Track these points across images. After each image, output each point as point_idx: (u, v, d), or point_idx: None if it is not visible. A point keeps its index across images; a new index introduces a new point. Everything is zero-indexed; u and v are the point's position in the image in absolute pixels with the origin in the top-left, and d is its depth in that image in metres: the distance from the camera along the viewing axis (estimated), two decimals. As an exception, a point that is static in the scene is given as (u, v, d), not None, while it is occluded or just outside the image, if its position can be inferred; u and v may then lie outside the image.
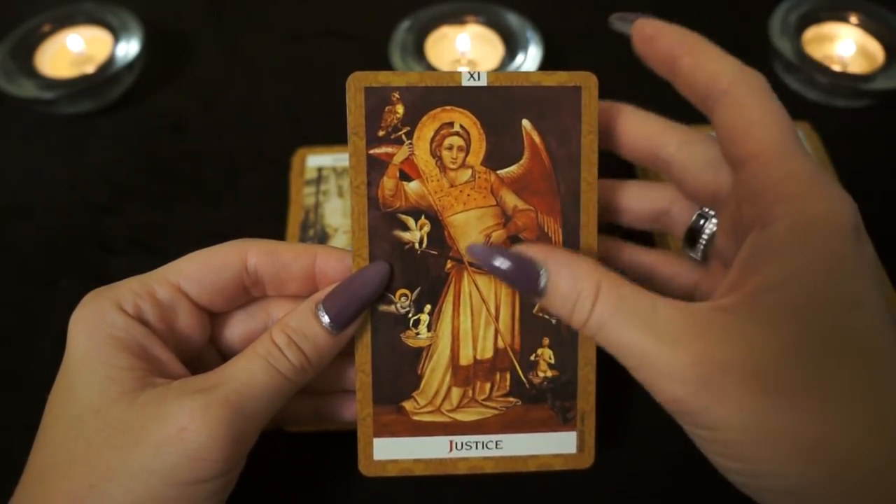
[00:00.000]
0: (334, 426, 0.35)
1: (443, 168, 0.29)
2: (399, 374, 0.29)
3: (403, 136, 0.29)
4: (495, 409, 0.30)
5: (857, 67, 0.50)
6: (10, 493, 0.29)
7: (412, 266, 0.29)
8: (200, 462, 0.24)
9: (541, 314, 0.29)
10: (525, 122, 0.29)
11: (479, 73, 0.28)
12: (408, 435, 0.30)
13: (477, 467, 0.30)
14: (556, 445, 0.30)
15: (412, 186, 0.29)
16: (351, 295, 0.27)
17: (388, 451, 0.30)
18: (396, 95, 0.29)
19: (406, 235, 0.29)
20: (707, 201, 0.30)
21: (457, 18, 0.52)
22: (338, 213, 0.43)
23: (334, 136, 0.48)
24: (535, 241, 0.29)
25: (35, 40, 0.51)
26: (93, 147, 0.48)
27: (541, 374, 0.30)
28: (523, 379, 0.30)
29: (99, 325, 0.26)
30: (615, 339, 0.24)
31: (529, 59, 0.48)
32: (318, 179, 0.45)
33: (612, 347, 0.24)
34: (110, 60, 0.49)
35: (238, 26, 0.56)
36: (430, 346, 0.29)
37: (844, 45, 0.51)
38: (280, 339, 0.27)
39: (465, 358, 0.29)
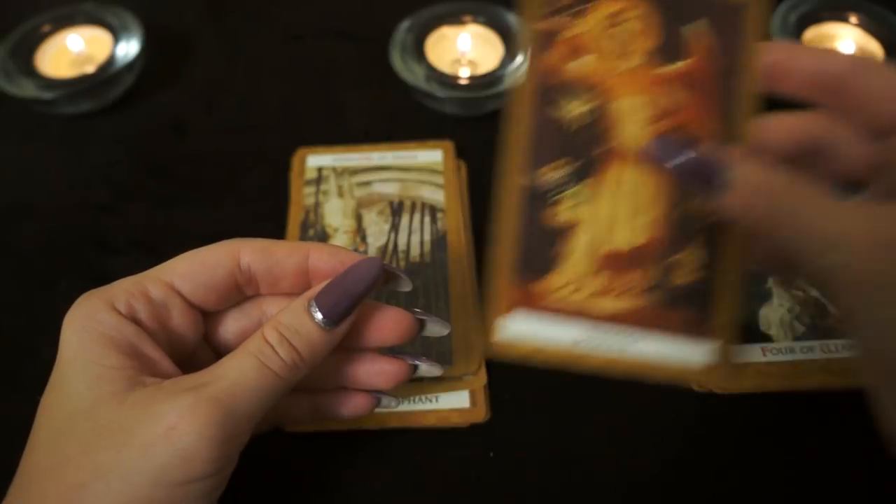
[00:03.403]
0: (333, 425, 0.35)
1: (612, 51, 0.28)
2: (538, 251, 0.28)
3: (577, 13, 0.28)
4: (633, 303, 0.28)
5: (857, 67, 0.50)
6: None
7: (568, 142, 0.28)
8: (190, 462, 0.24)
9: (694, 214, 0.28)
10: (696, 25, 0.28)
11: None
12: (537, 316, 0.28)
13: (604, 367, 0.28)
14: (692, 354, 0.28)
15: (579, 63, 0.28)
16: (344, 290, 0.27)
17: (515, 331, 0.28)
18: None
19: (566, 110, 0.28)
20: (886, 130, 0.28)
21: (457, 18, 0.51)
22: (338, 213, 0.43)
23: (334, 136, 0.48)
24: (694, 135, 0.28)
25: (35, 40, 0.51)
26: (93, 147, 0.48)
27: (684, 276, 0.28)
28: (666, 278, 0.28)
29: (90, 324, 0.26)
30: (797, 224, 0.24)
31: (529, 59, 0.48)
32: (318, 179, 0.45)
33: (793, 235, 0.24)
34: (110, 60, 0.49)
35: (238, 26, 0.56)
36: (573, 227, 0.28)
37: (844, 46, 0.51)
38: (272, 336, 0.26)
39: (608, 244, 0.28)
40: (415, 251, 0.41)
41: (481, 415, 0.35)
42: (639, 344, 0.28)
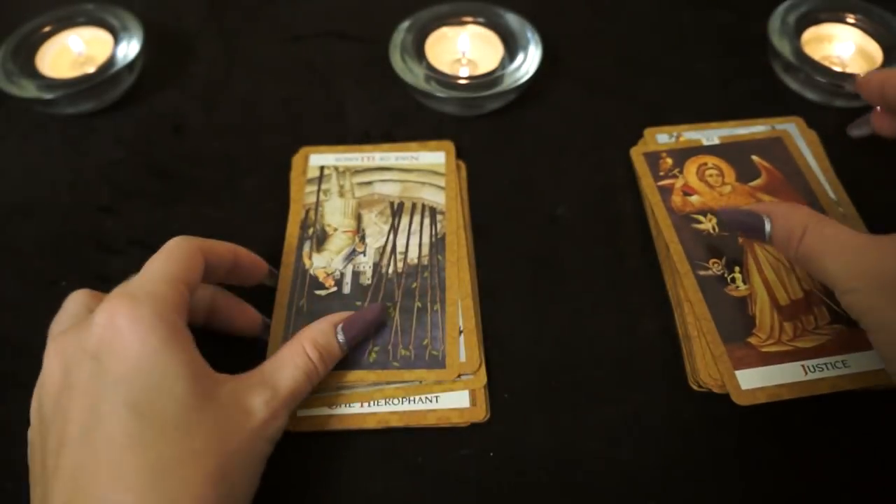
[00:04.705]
0: (333, 425, 0.35)
1: (710, 186, 0.42)
2: (735, 317, 0.37)
3: (676, 173, 0.43)
4: (827, 335, 0.36)
5: (855, 68, 0.50)
6: (11, 491, 0.29)
7: (713, 244, 0.40)
8: (274, 442, 0.32)
9: None
10: (754, 157, 0.44)
11: (713, 136, 0.45)
12: (762, 364, 0.35)
13: (837, 386, 0.35)
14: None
15: (693, 198, 0.42)
16: (363, 326, 0.36)
17: (752, 381, 0.35)
18: (665, 154, 0.44)
19: (701, 226, 0.41)
20: None
21: (457, 19, 0.52)
22: (338, 213, 0.43)
23: (334, 136, 0.48)
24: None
25: (36, 41, 0.51)
26: (93, 147, 0.48)
27: None
28: (838, 309, 0.36)
29: (170, 330, 0.30)
30: (814, 265, 0.32)
31: (529, 59, 0.48)
32: (320, 178, 0.45)
33: (814, 273, 0.33)
34: (110, 60, 0.49)
35: (238, 26, 0.56)
36: (750, 294, 0.38)
37: (843, 46, 0.51)
38: (314, 354, 0.34)
39: (783, 299, 0.37)
40: (413, 253, 0.41)
41: (481, 414, 0.36)
42: (851, 361, 0.35)
